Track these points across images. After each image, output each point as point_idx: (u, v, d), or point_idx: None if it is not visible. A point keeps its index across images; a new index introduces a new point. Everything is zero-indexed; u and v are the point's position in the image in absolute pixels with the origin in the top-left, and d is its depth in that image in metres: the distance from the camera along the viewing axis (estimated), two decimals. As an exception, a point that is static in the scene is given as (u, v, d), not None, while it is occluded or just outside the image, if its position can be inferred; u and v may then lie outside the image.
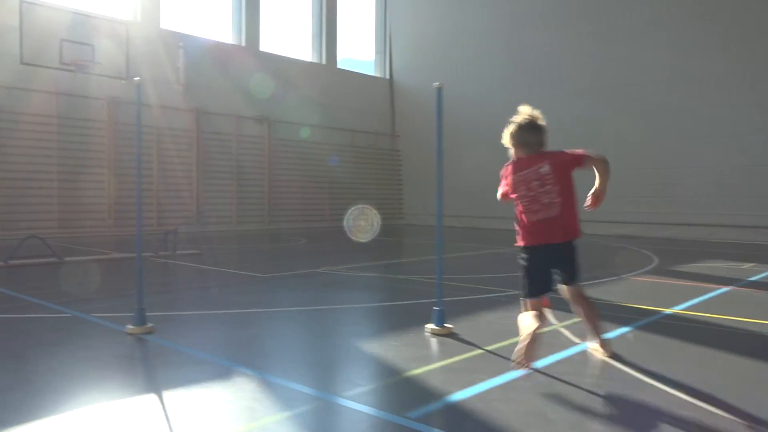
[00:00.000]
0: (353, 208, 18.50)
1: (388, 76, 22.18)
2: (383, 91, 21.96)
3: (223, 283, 7.14)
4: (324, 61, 19.88)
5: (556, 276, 3.71)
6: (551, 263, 3.65)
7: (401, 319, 5.15)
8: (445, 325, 4.46)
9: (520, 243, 3.70)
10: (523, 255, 3.68)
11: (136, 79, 4.50)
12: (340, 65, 20.43)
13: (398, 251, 12.52)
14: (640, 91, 16.13)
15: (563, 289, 3.77)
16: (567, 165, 3.58)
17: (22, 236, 12.24)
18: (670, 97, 15.65)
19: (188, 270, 8.21)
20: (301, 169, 18.52)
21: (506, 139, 3.75)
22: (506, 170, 3.79)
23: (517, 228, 3.73)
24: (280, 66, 18.15)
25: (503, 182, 3.81)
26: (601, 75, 16.83)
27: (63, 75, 13.08)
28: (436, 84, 4.47)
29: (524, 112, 3.76)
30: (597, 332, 3.79)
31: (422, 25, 21.01)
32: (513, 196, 3.73)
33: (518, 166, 3.70)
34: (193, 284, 7.07)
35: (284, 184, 18.11)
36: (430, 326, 4.47)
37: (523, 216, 3.66)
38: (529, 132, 3.68)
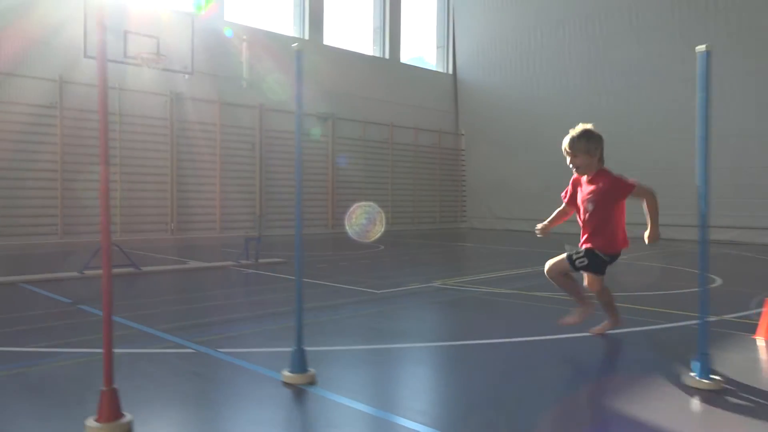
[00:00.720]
0: (355, 206, 17.11)
1: (450, 72, 20.96)
2: (446, 87, 20.74)
3: (338, 301, 6.02)
4: (387, 56, 18.78)
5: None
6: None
7: (618, 360, 3.96)
8: (713, 377, 3.28)
9: (611, 249, 4.06)
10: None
11: (298, 46, 3.39)
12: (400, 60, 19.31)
13: (493, 260, 11.29)
14: (740, 87, 14.54)
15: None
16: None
17: (86, 242, 11.42)
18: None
19: (286, 284, 7.14)
20: (363, 168, 17.44)
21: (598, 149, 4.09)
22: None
23: (607, 235, 4.06)
24: (343, 60, 17.12)
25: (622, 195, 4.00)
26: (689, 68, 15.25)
27: (123, 69, 12.20)
28: (700, 48, 3.28)
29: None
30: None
31: (489, 15, 19.68)
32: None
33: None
34: (307, 303, 5.96)
35: (347, 184, 17.04)
36: (691, 376, 3.29)
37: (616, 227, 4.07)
38: None
